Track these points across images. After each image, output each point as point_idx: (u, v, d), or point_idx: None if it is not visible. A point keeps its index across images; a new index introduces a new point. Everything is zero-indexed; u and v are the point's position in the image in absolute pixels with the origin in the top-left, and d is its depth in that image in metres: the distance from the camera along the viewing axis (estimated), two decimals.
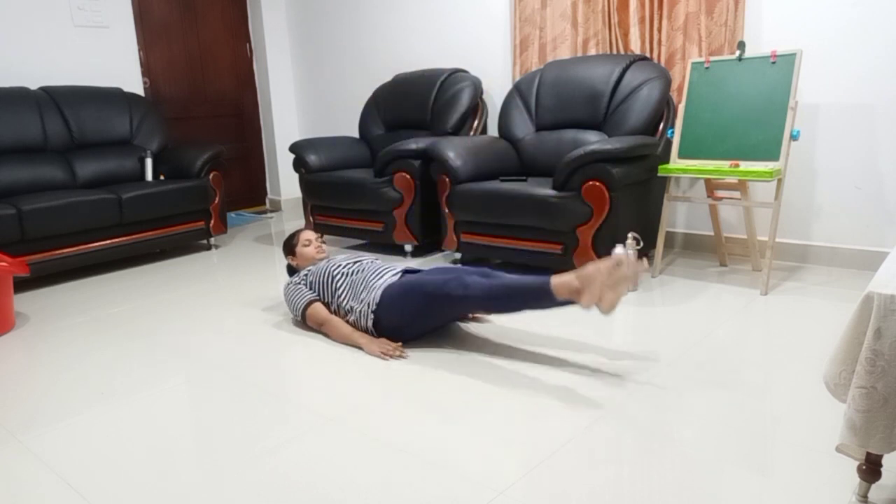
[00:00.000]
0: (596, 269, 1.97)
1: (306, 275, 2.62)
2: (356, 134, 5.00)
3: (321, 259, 2.71)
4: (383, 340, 2.34)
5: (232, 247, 4.24)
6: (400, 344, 2.33)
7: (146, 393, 2.09)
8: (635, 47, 3.47)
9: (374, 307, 2.37)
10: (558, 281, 2.04)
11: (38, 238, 3.32)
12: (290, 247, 2.77)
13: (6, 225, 3.17)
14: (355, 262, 2.56)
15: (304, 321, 2.56)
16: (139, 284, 3.40)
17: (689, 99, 3.03)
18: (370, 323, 2.39)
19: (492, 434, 1.74)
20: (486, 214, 3.17)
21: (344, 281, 2.50)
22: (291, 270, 2.79)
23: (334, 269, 2.54)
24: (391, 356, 2.28)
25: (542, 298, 2.08)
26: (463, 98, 3.93)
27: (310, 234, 2.78)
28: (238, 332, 2.61)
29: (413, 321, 2.35)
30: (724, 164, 2.84)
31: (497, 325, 2.56)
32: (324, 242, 2.79)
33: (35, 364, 2.38)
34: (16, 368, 2.34)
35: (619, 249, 2.05)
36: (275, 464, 1.64)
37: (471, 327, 2.55)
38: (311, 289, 2.57)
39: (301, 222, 4.96)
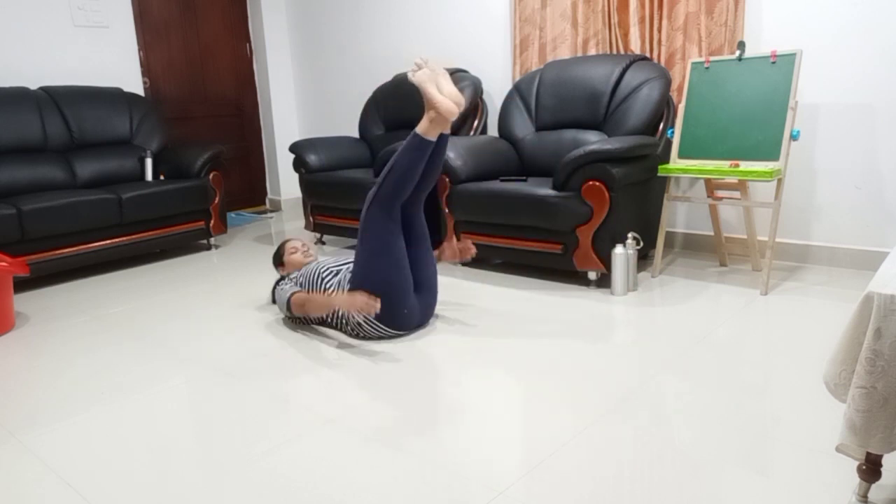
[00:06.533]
0: (423, 90, 2.30)
1: (295, 276, 2.67)
2: (356, 134, 5.00)
3: (309, 262, 2.76)
4: (356, 296, 2.25)
5: (232, 247, 4.24)
6: (370, 295, 2.28)
7: (146, 393, 2.09)
8: (635, 47, 3.47)
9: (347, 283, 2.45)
10: (420, 127, 2.32)
11: (38, 238, 3.32)
12: (279, 258, 2.84)
13: (6, 225, 3.17)
14: (344, 263, 2.59)
15: (291, 312, 2.53)
16: (139, 284, 3.40)
17: (688, 99, 3.02)
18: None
19: (492, 434, 1.74)
20: (486, 214, 3.17)
21: (332, 279, 2.53)
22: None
23: (323, 270, 2.57)
24: (368, 309, 2.22)
25: (421, 146, 2.33)
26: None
27: (295, 243, 2.86)
28: (238, 332, 2.61)
29: (379, 253, 2.38)
30: (724, 164, 2.84)
31: (496, 325, 2.56)
32: (323, 243, 2.79)
33: (35, 364, 2.38)
34: (16, 368, 2.34)
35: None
36: (275, 464, 1.64)
37: (469, 327, 2.55)
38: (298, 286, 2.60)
39: (301, 222, 4.96)
